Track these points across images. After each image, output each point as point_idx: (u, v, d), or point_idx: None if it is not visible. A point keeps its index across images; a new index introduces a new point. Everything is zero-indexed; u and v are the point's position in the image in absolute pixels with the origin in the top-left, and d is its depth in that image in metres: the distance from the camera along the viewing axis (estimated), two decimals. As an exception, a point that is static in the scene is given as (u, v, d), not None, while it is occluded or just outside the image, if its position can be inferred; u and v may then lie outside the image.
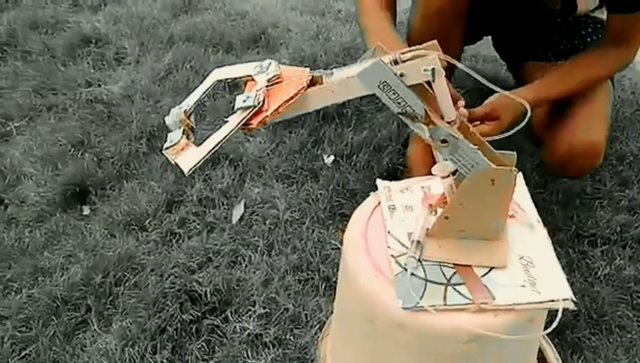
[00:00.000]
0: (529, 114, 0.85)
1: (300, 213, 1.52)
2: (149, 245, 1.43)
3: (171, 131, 0.82)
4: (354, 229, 0.95)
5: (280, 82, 0.76)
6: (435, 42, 0.72)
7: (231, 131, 0.75)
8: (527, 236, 0.91)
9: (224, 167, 1.64)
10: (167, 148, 0.78)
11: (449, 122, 0.75)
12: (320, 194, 1.56)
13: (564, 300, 0.81)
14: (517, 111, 1.21)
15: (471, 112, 1.20)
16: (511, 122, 1.21)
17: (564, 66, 1.36)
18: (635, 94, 1.99)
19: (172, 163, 0.78)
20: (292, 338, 1.25)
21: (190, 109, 0.83)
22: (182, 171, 0.77)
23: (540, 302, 0.82)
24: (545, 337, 1.18)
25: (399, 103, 0.72)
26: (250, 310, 1.29)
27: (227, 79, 0.87)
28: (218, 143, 0.75)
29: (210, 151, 0.75)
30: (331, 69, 0.78)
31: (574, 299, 0.81)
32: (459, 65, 0.73)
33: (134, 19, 2.29)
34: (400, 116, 0.74)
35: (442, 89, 0.71)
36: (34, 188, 1.61)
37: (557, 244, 1.45)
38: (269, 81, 0.76)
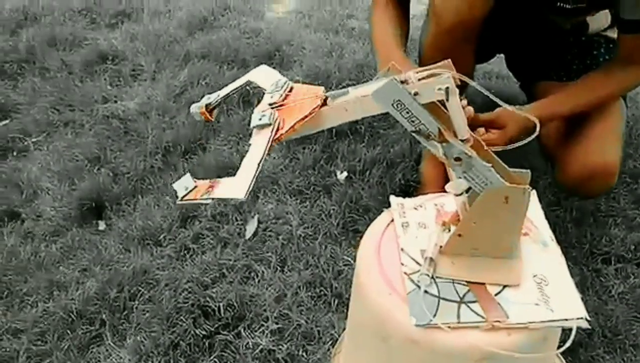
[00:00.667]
0: (537, 128, 0.85)
1: (313, 229, 1.52)
2: (163, 259, 1.44)
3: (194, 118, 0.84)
4: (367, 246, 0.96)
5: (286, 104, 0.77)
6: (449, 61, 0.72)
7: (265, 151, 0.74)
8: (540, 254, 0.91)
9: (238, 183, 1.64)
10: (183, 197, 0.77)
11: (462, 141, 0.75)
12: (333, 210, 1.56)
13: (578, 319, 0.81)
14: (523, 124, 1.21)
15: (476, 116, 1.20)
16: (516, 134, 1.21)
17: (573, 84, 1.36)
18: (649, 112, 1.98)
19: (210, 201, 0.76)
20: (304, 354, 1.25)
21: (216, 102, 0.85)
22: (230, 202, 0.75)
23: (554, 321, 0.82)
24: (559, 355, 1.17)
25: (413, 121, 0.73)
26: (263, 325, 1.30)
27: (258, 84, 0.88)
28: (259, 163, 0.73)
29: (256, 173, 0.73)
30: (344, 86, 0.79)
31: (588, 318, 0.81)
32: (473, 83, 0.74)
33: (150, 36, 2.32)
34: (414, 134, 0.74)
35: (456, 107, 0.72)
36: (50, 203, 1.63)
37: (571, 261, 1.43)
38: (277, 100, 0.77)
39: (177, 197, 0.78)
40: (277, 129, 0.76)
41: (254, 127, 0.77)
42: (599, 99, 1.33)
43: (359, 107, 0.75)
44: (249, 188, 0.73)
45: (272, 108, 0.79)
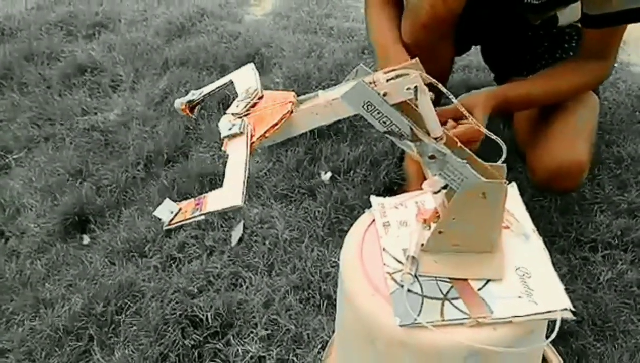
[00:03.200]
0: (504, 152, 0.85)
1: (299, 232, 1.52)
2: (149, 271, 1.43)
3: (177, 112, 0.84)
4: (350, 248, 0.95)
5: (256, 110, 0.76)
6: (416, 60, 0.72)
7: (247, 155, 0.72)
8: (522, 246, 0.91)
9: (222, 189, 1.63)
10: (170, 221, 0.74)
11: (435, 138, 0.75)
12: (319, 211, 1.56)
13: (563, 310, 0.81)
14: (488, 105, 1.21)
15: (441, 110, 1.18)
16: (485, 117, 1.21)
17: (536, 74, 1.36)
18: (631, 96, 1.99)
19: (203, 217, 0.73)
20: (295, 359, 1.24)
21: (198, 99, 0.85)
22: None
23: (539, 313, 0.81)
24: (550, 345, 1.17)
25: (384, 122, 0.72)
26: (252, 332, 1.29)
27: (237, 86, 0.87)
28: (245, 168, 0.72)
29: (245, 178, 0.71)
30: (325, 86, 0.79)
31: (572, 308, 0.81)
32: (440, 86, 0.73)
33: (127, 45, 2.30)
34: (386, 134, 0.74)
35: (426, 106, 0.71)
36: (33, 219, 1.61)
37: (558, 251, 1.44)
38: (246, 108, 0.76)
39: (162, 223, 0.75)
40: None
41: (224, 137, 0.76)
42: (558, 91, 1.32)
43: (330, 111, 0.75)
44: (243, 193, 0.70)
45: (238, 117, 0.77)
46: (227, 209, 0.70)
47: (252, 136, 0.75)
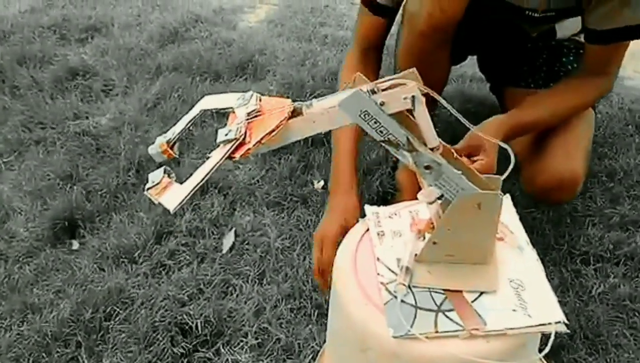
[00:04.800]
0: (512, 162, 0.84)
1: (291, 240, 1.51)
2: (138, 277, 1.41)
3: (155, 161, 0.82)
4: (343, 257, 0.94)
5: (261, 114, 0.76)
6: (414, 69, 0.72)
7: (214, 167, 0.74)
8: (516, 259, 0.91)
9: (214, 196, 1.63)
10: (148, 189, 0.78)
11: (432, 149, 0.74)
12: (311, 220, 1.55)
13: (556, 323, 0.81)
14: (502, 138, 1.20)
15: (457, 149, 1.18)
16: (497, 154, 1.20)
17: (541, 94, 1.36)
18: (623, 110, 2.00)
19: (156, 203, 0.77)
20: (285, 368, 1.23)
21: (174, 138, 0.83)
22: (166, 209, 0.76)
23: (532, 326, 0.81)
24: (542, 359, 1.17)
25: (381, 132, 0.72)
26: (242, 341, 1.28)
27: (213, 109, 0.86)
28: (201, 180, 0.74)
29: (194, 189, 0.74)
30: (319, 94, 0.78)
31: (566, 321, 0.81)
32: (437, 97, 0.73)
33: (120, 50, 2.29)
34: (382, 144, 0.73)
35: (423, 116, 0.71)
36: (23, 224, 1.60)
37: (550, 263, 1.44)
38: (248, 114, 0.76)
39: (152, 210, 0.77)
40: (243, 144, 0.74)
41: (220, 142, 0.75)
42: (567, 110, 1.33)
43: (326, 119, 0.74)
44: (180, 203, 0.74)
45: (248, 120, 0.77)
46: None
47: (247, 142, 0.74)
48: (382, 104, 0.69)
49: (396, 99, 0.69)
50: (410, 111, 0.71)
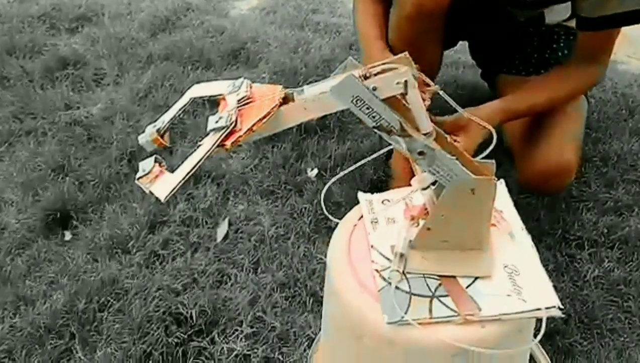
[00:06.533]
0: (494, 140, 0.84)
1: (285, 229, 1.50)
2: (132, 268, 1.40)
3: (146, 150, 0.81)
4: (337, 244, 0.94)
5: (251, 101, 0.75)
6: (406, 53, 0.71)
7: (205, 155, 0.74)
8: (511, 244, 0.90)
9: (207, 185, 1.62)
10: (139, 178, 0.77)
11: (425, 134, 0.73)
12: (305, 208, 1.54)
13: (551, 307, 0.80)
14: (493, 123, 1.20)
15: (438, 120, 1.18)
16: (481, 138, 1.20)
17: (534, 81, 1.35)
18: (617, 94, 1.99)
19: (147, 191, 0.77)
20: (280, 357, 1.23)
21: (164, 126, 0.82)
22: (158, 199, 0.75)
23: (527, 311, 0.80)
24: (537, 344, 1.17)
25: (374, 117, 0.71)
26: (237, 330, 1.27)
27: (203, 96, 0.86)
28: (192, 168, 0.74)
29: (185, 177, 0.74)
30: (312, 81, 0.77)
31: (561, 306, 0.80)
32: (429, 81, 0.72)
33: (111, 39, 2.27)
34: (375, 129, 0.73)
35: (416, 100, 0.70)
36: (14, 215, 1.58)
37: (545, 248, 1.44)
38: (239, 101, 0.75)
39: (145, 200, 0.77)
40: (234, 132, 0.73)
41: (210, 130, 0.74)
42: (557, 98, 1.32)
43: (318, 105, 0.73)
44: (171, 192, 0.74)
45: (239, 107, 0.76)
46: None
47: (239, 130, 0.73)
48: (374, 89, 0.68)
49: (389, 83, 0.68)
50: (403, 96, 0.71)
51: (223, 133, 0.73)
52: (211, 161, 1.69)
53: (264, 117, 0.73)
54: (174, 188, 0.74)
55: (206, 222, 1.52)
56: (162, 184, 0.75)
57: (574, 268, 1.41)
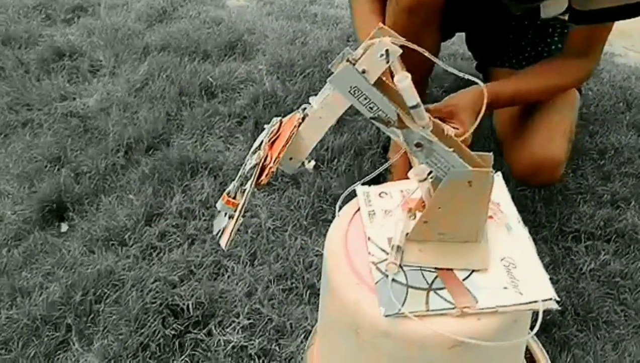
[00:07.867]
0: (485, 100, 0.84)
1: (282, 221, 1.50)
2: (129, 260, 1.40)
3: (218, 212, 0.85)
4: (334, 237, 0.94)
5: (280, 134, 0.77)
6: (380, 24, 0.71)
7: (246, 196, 0.79)
8: (508, 237, 0.90)
9: (204, 177, 1.61)
10: (219, 237, 0.82)
11: (422, 126, 0.73)
12: (302, 200, 1.54)
13: (547, 300, 0.80)
14: (476, 105, 1.20)
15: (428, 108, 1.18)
16: (474, 119, 1.19)
17: (523, 70, 1.35)
18: (614, 87, 1.99)
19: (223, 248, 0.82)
20: (277, 348, 1.23)
21: (235, 188, 0.83)
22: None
23: (523, 303, 0.80)
24: (534, 335, 1.17)
25: (371, 108, 0.71)
26: (234, 322, 1.27)
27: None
28: (239, 213, 0.79)
29: (236, 222, 0.79)
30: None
31: (557, 299, 0.80)
32: (415, 47, 0.71)
33: (108, 30, 2.26)
34: (373, 120, 0.72)
35: (400, 69, 0.69)
36: (10, 206, 1.58)
37: (541, 241, 1.44)
38: (269, 135, 0.78)
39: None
40: (266, 167, 0.77)
41: (248, 173, 0.78)
42: (543, 88, 1.32)
43: (328, 110, 0.75)
44: (230, 240, 0.81)
45: (268, 143, 0.80)
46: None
47: (267, 164, 0.77)
48: (363, 71, 0.68)
49: (373, 60, 0.67)
50: (391, 79, 0.70)
51: (256, 171, 0.76)
52: (208, 153, 1.69)
53: (286, 142, 0.76)
54: (230, 237, 0.80)
55: (203, 214, 1.52)
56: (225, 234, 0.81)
57: (571, 260, 1.42)
